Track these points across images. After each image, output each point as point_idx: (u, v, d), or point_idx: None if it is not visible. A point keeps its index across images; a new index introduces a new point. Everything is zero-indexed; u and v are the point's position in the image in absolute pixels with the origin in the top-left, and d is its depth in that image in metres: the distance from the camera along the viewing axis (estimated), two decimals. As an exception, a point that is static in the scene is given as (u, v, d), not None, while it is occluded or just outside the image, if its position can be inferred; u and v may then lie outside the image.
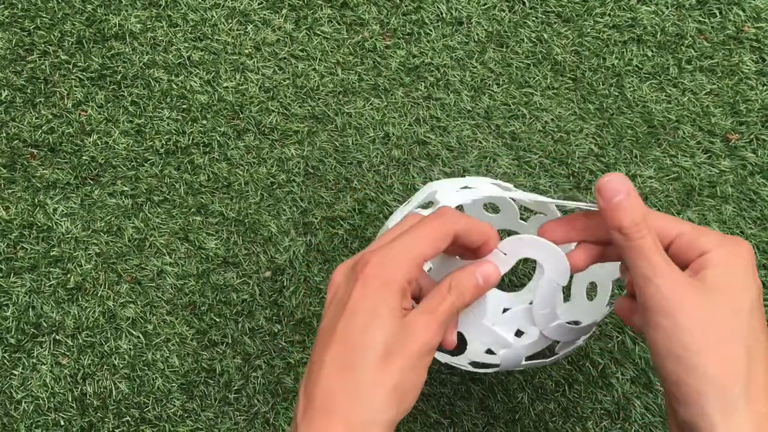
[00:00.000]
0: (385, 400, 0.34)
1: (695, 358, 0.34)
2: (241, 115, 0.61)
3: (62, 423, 0.57)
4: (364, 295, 0.36)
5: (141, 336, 0.58)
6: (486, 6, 0.62)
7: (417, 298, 0.41)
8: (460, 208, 0.57)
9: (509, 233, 0.55)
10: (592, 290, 0.53)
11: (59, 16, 0.62)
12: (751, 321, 0.36)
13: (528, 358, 0.46)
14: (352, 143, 0.61)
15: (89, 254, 0.59)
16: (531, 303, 0.44)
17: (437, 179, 0.60)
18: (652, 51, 0.61)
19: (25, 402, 0.58)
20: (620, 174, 0.38)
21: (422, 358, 0.36)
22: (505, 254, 0.41)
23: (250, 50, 0.62)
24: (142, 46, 0.62)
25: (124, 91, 0.61)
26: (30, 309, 0.59)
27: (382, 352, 0.35)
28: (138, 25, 0.62)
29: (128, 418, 0.57)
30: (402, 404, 0.35)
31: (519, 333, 0.46)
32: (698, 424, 0.34)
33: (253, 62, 0.62)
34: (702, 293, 0.36)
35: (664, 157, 0.60)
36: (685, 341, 0.35)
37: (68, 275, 0.59)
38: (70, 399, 0.58)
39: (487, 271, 0.40)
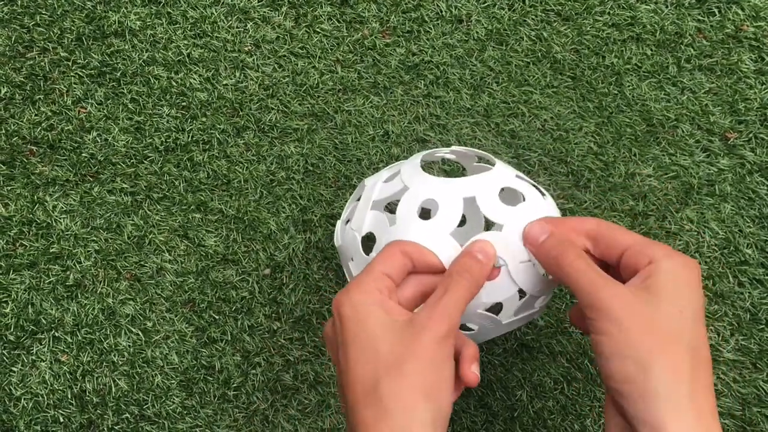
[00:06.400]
0: (411, 403, 0.35)
1: (644, 356, 0.35)
2: (241, 113, 0.61)
3: (61, 420, 0.57)
4: (350, 321, 0.37)
5: (140, 333, 0.58)
6: (486, 4, 0.62)
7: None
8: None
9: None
10: None
11: (59, 13, 0.62)
12: (695, 326, 0.37)
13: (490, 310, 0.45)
14: (352, 141, 0.61)
15: (88, 251, 0.59)
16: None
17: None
18: (652, 50, 0.61)
19: (24, 399, 0.58)
20: (540, 221, 0.43)
21: (435, 350, 0.36)
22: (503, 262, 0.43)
23: (250, 48, 0.62)
24: (142, 43, 0.62)
25: (123, 89, 0.61)
26: (29, 306, 0.59)
27: (392, 360, 0.36)
28: (138, 23, 0.62)
29: (127, 415, 0.57)
30: (433, 400, 0.35)
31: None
32: (647, 420, 0.35)
33: (253, 60, 0.62)
34: (646, 298, 0.37)
35: (663, 155, 0.60)
36: (632, 341, 0.36)
37: (67, 272, 0.59)
38: (69, 396, 0.58)
39: (481, 246, 0.41)
